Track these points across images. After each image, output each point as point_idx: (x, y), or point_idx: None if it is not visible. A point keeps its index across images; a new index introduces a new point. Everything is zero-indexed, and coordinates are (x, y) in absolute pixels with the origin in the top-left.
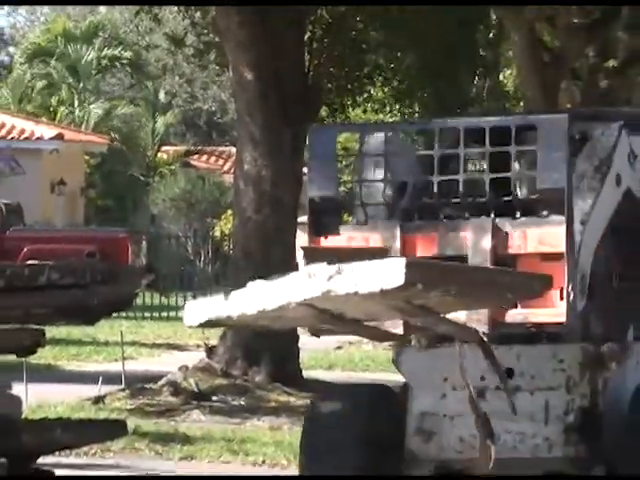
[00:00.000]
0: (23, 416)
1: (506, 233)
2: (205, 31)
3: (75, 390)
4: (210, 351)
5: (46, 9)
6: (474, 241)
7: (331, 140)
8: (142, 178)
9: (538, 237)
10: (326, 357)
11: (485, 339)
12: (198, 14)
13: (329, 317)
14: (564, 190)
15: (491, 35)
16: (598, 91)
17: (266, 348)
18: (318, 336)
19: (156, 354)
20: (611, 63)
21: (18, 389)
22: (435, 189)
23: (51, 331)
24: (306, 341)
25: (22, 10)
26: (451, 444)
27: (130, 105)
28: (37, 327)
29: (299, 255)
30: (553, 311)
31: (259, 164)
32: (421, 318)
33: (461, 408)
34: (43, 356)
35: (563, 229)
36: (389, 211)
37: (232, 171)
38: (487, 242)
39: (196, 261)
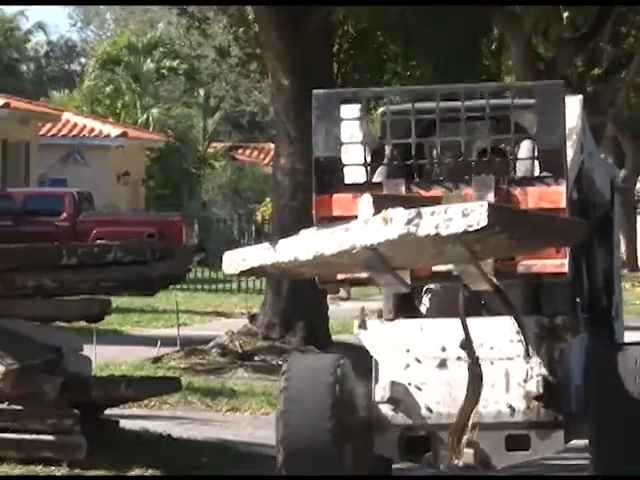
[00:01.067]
0: (92, 374)
1: (508, 190)
2: (246, 44)
3: (137, 351)
4: (252, 318)
5: (112, 25)
6: (477, 198)
7: (334, 105)
8: (194, 170)
9: (538, 194)
10: (351, 323)
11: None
12: (241, 30)
13: (378, 264)
14: (562, 150)
15: (493, 47)
16: (586, 95)
17: (300, 315)
18: (336, 292)
19: (206, 320)
20: (596, 71)
21: (88, 351)
22: (438, 150)
23: (116, 301)
24: (334, 310)
25: (92, 26)
26: (416, 411)
27: (184, 107)
28: (104, 298)
29: (361, 202)
30: (556, 262)
31: (294, 158)
32: (461, 265)
33: (425, 378)
34: (110, 322)
35: (564, 186)
36: (393, 171)
37: (271, 164)
38: (490, 198)
39: (240, 241)
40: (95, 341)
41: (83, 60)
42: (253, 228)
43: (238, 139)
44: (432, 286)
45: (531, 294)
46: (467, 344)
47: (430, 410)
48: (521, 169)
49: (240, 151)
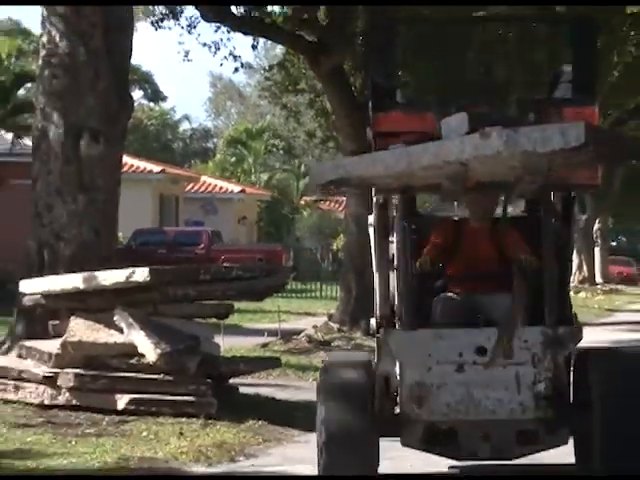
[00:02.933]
0: (220, 355)
1: (545, 110)
2: (327, 129)
3: (251, 340)
4: (330, 316)
5: (235, 116)
6: (519, 115)
7: (391, 38)
8: (290, 215)
9: (573, 113)
10: None
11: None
12: (323, 118)
13: (461, 178)
14: (594, 76)
15: None
16: None
17: (362, 315)
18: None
19: (298, 318)
20: None
21: (217, 339)
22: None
23: (237, 305)
24: None
25: (221, 117)
26: (438, 408)
27: (283, 173)
28: (229, 302)
29: (455, 119)
30: (590, 175)
31: (359, 208)
32: (538, 177)
33: (445, 379)
34: (232, 319)
35: (596, 107)
36: (439, 100)
37: (343, 211)
38: (530, 117)
39: (322, 264)
40: (222, 332)
41: (215, 140)
42: (330, 255)
43: (319, 194)
44: (441, 297)
45: (536, 306)
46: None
47: (450, 408)
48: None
49: (322, 202)
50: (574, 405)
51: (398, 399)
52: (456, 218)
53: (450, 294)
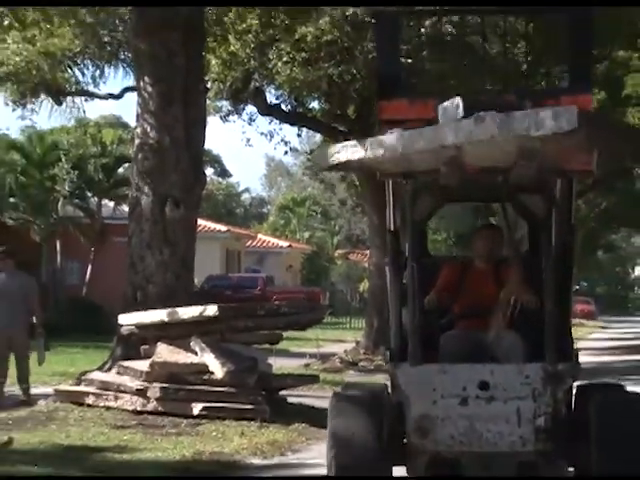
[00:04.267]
0: (272, 372)
1: (542, 99)
2: (356, 197)
3: (296, 361)
4: (357, 343)
5: (284, 188)
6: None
7: (394, 28)
8: (327, 264)
9: (570, 102)
10: None
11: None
12: (353, 190)
13: (456, 162)
14: (590, 64)
15: None
16: None
17: (382, 342)
18: None
19: (333, 344)
20: None
21: (270, 360)
22: None
23: (285, 334)
24: None
25: (274, 189)
26: (443, 440)
27: (321, 232)
28: (278, 332)
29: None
30: (584, 161)
31: (381, 260)
32: (532, 162)
33: (449, 412)
34: (282, 345)
35: (591, 95)
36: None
37: (367, 261)
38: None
39: (351, 302)
40: (274, 355)
41: (269, 207)
42: (357, 295)
43: (350, 248)
44: (447, 334)
45: (536, 342)
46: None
47: (454, 439)
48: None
49: (351, 255)
50: (573, 438)
51: (405, 429)
52: (463, 259)
53: (456, 331)
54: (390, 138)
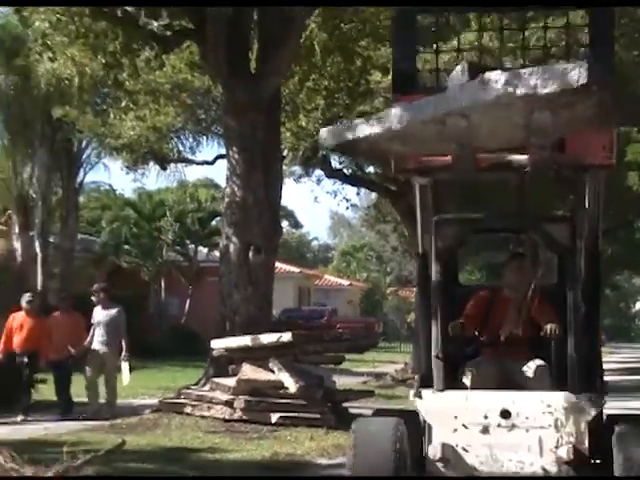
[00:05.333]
0: (336, 388)
1: None
2: (404, 245)
3: (355, 379)
4: (405, 364)
5: (346, 237)
6: None
7: (411, 25)
8: (380, 299)
9: None
10: None
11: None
12: (402, 239)
13: (466, 138)
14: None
15: None
16: None
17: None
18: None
19: (386, 365)
20: None
21: (334, 378)
22: None
23: (347, 356)
24: None
25: (337, 238)
26: (463, 469)
27: (376, 273)
28: (341, 354)
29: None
30: (604, 154)
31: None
32: (544, 138)
33: (470, 441)
34: (343, 366)
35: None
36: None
37: (414, 298)
38: None
39: (400, 330)
40: (337, 374)
41: (333, 252)
42: (406, 324)
43: (400, 286)
44: (473, 361)
45: (560, 373)
46: None
47: (475, 469)
48: None
49: (401, 291)
50: (597, 469)
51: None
52: (492, 288)
53: (481, 359)
54: (396, 109)
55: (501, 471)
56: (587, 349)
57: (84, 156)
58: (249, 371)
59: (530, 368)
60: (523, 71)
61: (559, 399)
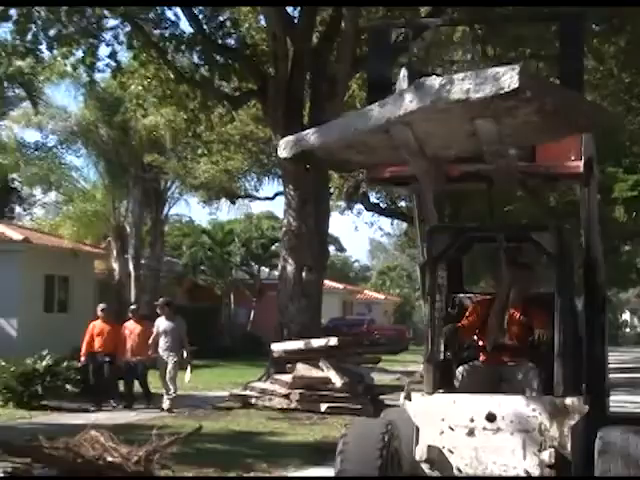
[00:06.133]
0: (374, 383)
1: None
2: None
3: (390, 376)
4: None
5: (382, 259)
6: None
7: (386, 39)
8: (410, 310)
9: None
10: None
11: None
12: None
13: (414, 145)
14: (581, 72)
15: None
16: None
17: None
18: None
19: (416, 365)
20: None
21: (372, 375)
22: None
23: (383, 357)
24: None
25: (375, 260)
26: (448, 471)
27: (407, 289)
28: (378, 356)
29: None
30: (573, 164)
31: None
32: (494, 146)
33: (456, 443)
34: (381, 365)
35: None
36: None
37: None
38: None
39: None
40: (375, 372)
41: (372, 272)
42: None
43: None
44: (466, 365)
45: (546, 376)
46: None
47: (460, 471)
48: None
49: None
50: (579, 472)
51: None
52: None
53: (474, 363)
54: (344, 118)
55: (485, 473)
56: (573, 354)
57: (169, 193)
58: (302, 369)
59: (520, 372)
60: (457, 76)
61: (544, 403)
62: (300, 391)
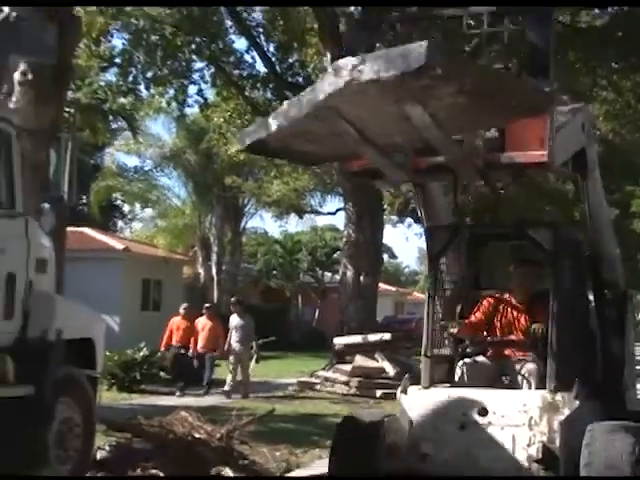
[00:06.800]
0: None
1: None
2: None
3: None
4: None
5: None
6: None
7: (369, 34)
8: None
9: None
10: None
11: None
12: None
13: (350, 130)
14: (548, 54)
15: None
16: None
17: None
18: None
19: None
20: None
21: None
22: None
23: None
24: None
25: (423, 264)
26: (439, 463)
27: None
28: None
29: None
30: (537, 153)
31: None
32: (430, 132)
33: (448, 437)
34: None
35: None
36: None
37: None
38: None
39: None
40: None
41: (420, 276)
42: None
43: None
44: (468, 360)
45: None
46: None
47: (449, 463)
48: None
49: None
50: (566, 467)
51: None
52: (502, 292)
53: (476, 358)
54: (283, 105)
55: (474, 467)
56: (581, 349)
57: (246, 209)
58: (360, 360)
59: (522, 367)
60: (370, 55)
61: (535, 398)
62: (358, 379)
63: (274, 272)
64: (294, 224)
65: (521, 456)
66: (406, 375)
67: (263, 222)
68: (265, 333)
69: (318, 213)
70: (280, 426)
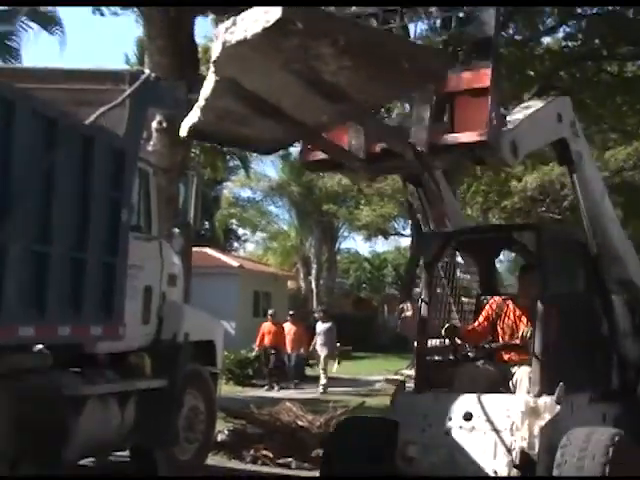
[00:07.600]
0: None
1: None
2: None
3: None
4: None
5: None
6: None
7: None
8: None
9: (471, 76)
10: None
11: (424, 154)
12: None
13: (265, 108)
14: (492, 40)
15: None
16: None
17: None
18: None
19: None
20: None
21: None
22: None
23: None
24: None
25: None
26: (424, 467)
27: None
28: None
29: None
30: (476, 132)
31: None
32: (346, 108)
33: (434, 441)
34: None
35: (490, 69)
36: None
37: None
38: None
39: None
40: None
41: None
42: None
43: None
44: (467, 364)
45: (548, 376)
46: None
47: (434, 467)
48: None
49: None
50: (546, 472)
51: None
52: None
53: (474, 363)
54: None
55: (457, 470)
56: (553, 353)
57: (340, 232)
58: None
59: (520, 372)
60: (240, 15)
61: (518, 403)
62: None
63: (364, 285)
64: (381, 244)
65: (502, 461)
66: (400, 382)
67: (355, 243)
68: (357, 337)
69: (401, 235)
70: (369, 415)
